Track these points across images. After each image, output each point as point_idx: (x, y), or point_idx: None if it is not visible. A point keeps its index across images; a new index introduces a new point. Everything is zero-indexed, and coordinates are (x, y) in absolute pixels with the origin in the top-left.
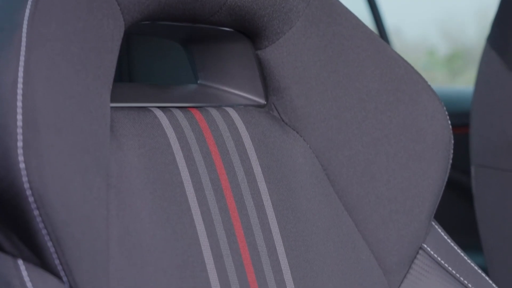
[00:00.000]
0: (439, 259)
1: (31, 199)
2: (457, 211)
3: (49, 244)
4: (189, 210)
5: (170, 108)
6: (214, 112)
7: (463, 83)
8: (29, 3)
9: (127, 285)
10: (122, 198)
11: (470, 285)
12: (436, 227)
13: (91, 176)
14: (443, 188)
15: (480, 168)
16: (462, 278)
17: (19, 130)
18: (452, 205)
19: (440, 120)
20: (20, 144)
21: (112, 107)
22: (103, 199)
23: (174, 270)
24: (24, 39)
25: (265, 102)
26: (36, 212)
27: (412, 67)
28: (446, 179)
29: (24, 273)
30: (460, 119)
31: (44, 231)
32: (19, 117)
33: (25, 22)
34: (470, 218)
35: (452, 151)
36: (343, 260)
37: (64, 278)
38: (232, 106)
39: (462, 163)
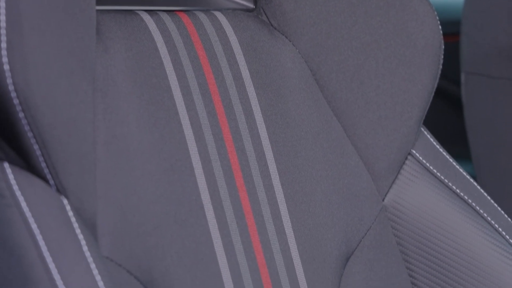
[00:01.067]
0: (427, 164)
1: (16, 101)
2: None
3: (35, 146)
4: (177, 115)
5: (157, 12)
6: (202, 16)
7: None
8: None
9: (114, 189)
10: (108, 101)
11: (458, 191)
12: (425, 133)
13: (76, 79)
14: (433, 93)
15: (470, 75)
16: (450, 184)
17: (3, 31)
18: (442, 115)
19: (430, 25)
20: (4, 45)
21: (98, 10)
22: (89, 102)
23: (162, 174)
24: None
25: (254, 6)
26: (21, 115)
27: None
28: (435, 85)
29: (10, 176)
30: (451, 27)
31: (30, 134)
32: (2, 17)
33: None
34: (459, 128)
35: (442, 56)
36: (332, 165)
37: (51, 181)
38: (220, 10)
39: (452, 72)
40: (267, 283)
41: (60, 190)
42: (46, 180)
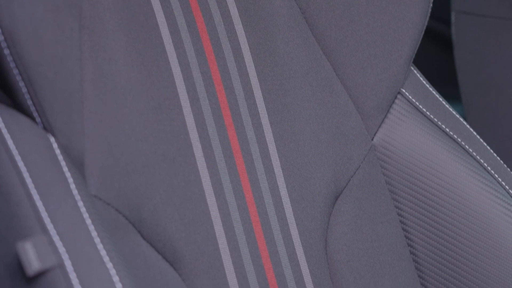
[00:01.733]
0: (417, 103)
1: (1, 37)
2: (436, 62)
3: (21, 84)
4: (165, 53)
5: None
6: None
7: None
8: None
9: (102, 128)
10: (95, 39)
11: (447, 129)
12: (415, 72)
13: (62, 15)
14: (423, 32)
15: (460, 14)
16: (439, 123)
17: None
18: (432, 55)
19: None
20: None
21: None
22: (75, 40)
23: (150, 112)
24: None
25: None
26: (6, 51)
27: None
28: (425, 23)
29: None
30: None
31: (15, 71)
32: None
33: None
34: (449, 69)
35: None
36: (321, 104)
37: (38, 119)
38: None
39: (442, 12)
40: (256, 221)
41: (47, 128)
42: (32, 118)
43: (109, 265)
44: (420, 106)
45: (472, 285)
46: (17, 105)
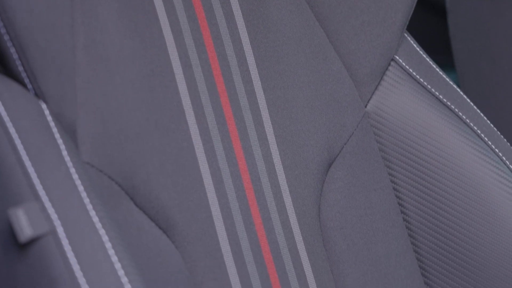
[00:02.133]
0: (410, 70)
1: None
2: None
3: (12, 50)
4: (157, 20)
5: None
6: None
7: None
8: None
9: (94, 96)
10: (87, 6)
11: (441, 97)
12: (409, 38)
13: None
14: None
15: None
16: (433, 90)
17: None
18: (425, 23)
19: None
20: None
21: None
22: (67, 7)
23: (142, 80)
24: None
25: None
26: None
27: None
28: None
29: None
30: None
31: (6, 37)
32: None
33: None
34: (443, 37)
35: None
36: (314, 71)
37: (29, 86)
38: None
39: None
40: (249, 188)
41: (39, 94)
42: (24, 85)
43: (102, 231)
44: (414, 73)
45: (465, 252)
46: (8, 71)
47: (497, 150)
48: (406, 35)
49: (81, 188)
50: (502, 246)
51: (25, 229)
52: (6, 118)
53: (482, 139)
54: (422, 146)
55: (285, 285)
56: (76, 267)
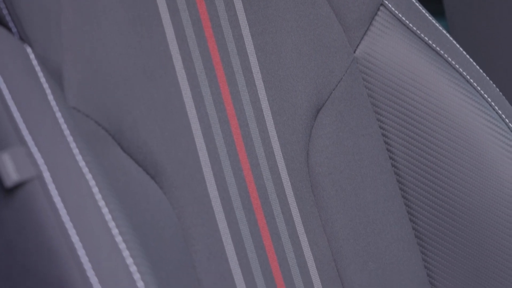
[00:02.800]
0: (400, 15)
1: None
2: None
3: None
4: None
5: None
6: None
7: None
8: None
9: (81, 41)
10: None
11: (430, 42)
12: None
13: None
14: None
15: None
16: (422, 35)
17: None
18: None
19: None
20: None
21: None
22: None
23: (129, 25)
24: None
25: None
26: None
27: None
28: None
29: None
30: None
31: None
32: None
33: None
34: None
35: None
36: (303, 16)
37: (14, 29)
38: None
39: None
40: (237, 134)
41: (23, 38)
42: (8, 28)
43: (88, 176)
44: (403, 18)
45: (453, 197)
46: None
47: (486, 96)
48: None
49: (67, 132)
50: (490, 191)
51: (11, 174)
52: None
53: (471, 84)
54: (411, 91)
55: (274, 230)
56: (63, 211)
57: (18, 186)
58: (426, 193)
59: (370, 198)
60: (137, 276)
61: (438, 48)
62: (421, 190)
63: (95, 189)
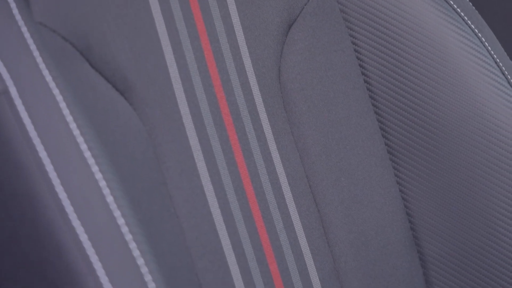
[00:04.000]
0: None
1: None
2: None
3: None
4: None
5: None
6: None
7: None
8: None
9: None
10: None
11: None
12: None
13: None
14: None
15: None
16: None
17: None
18: None
19: None
20: None
21: None
22: None
23: None
24: None
25: None
26: None
27: None
28: None
29: None
30: None
31: None
32: None
33: None
34: None
35: None
36: None
37: None
38: None
39: None
40: (208, 50)
41: None
42: None
43: (56, 91)
44: None
45: (425, 112)
46: None
47: (458, 10)
48: None
49: (33, 47)
50: (462, 106)
51: None
52: None
53: (447, 1)
54: (383, 6)
55: (245, 146)
56: (30, 127)
57: None
58: (398, 108)
59: (343, 114)
60: (106, 191)
61: None
62: (393, 105)
63: (63, 104)
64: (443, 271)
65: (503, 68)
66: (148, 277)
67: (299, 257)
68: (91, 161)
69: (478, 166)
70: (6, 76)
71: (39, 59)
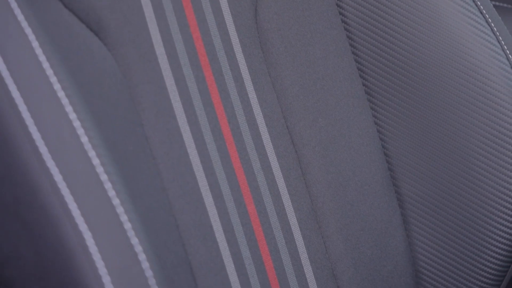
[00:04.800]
0: None
1: None
2: None
3: None
4: None
5: None
6: None
7: None
8: None
9: None
10: None
11: None
12: None
13: None
14: None
15: None
16: None
17: None
18: None
19: None
20: None
21: None
22: None
23: None
24: None
25: None
26: None
27: None
28: None
29: None
30: None
31: None
32: None
33: None
34: None
35: None
36: None
37: None
38: None
39: None
40: (187, 5)
41: None
42: None
43: (28, 30)
44: None
45: (404, 52)
46: None
47: None
48: None
49: None
50: (442, 46)
51: None
52: None
53: None
54: None
55: (222, 87)
56: (1, 66)
57: None
58: (376, 48)
59: (320, 54)
60: (81, 131)
61: None
62: (371, 46)
63: (35, 44)
64: (421, 211)
65: (482, 7)
66: (124, 217)
67: (276, 198)
68: (64, 101)
69: (456, 106)
70: None
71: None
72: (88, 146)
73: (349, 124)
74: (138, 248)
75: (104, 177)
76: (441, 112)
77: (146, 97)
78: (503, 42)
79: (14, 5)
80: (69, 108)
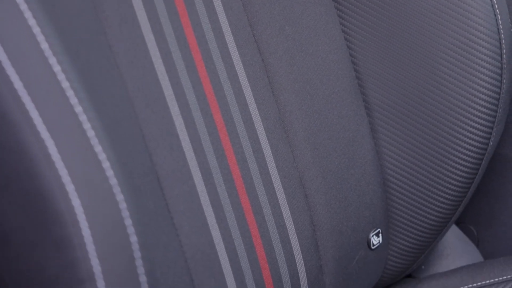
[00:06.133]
0: None
1: None
2: None
3: None
4: None
5: None
6: None
7: None
8: None
9: None
10: None
11: None
12: None
13: None
14: None
15: None
16: None
17: None
18: None
19: None
20: None
21: None
22: None
23: None
24: None
25: None
26: None
27: None
28: None
29: None
30: None
31: None
32: None
33: None
34: None
35: None
36: None
37: None
38: None
39: None
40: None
41: None
42: None
43: None
44: None
45: None
46: None
47: None
48: None
49: None
50: None
51: None
52: None
53: None
54: None
55: (197, 28)
56: None
57: None
58: None
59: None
60: (41, 37)
61: None
62: None
63: None
64: (389, 119)
65: None
66: (87, 125)
67: (243, 107)
68: (23, 6)
69: (424, 13)
70: None
71: None
72: (48, 53)
73: (316, 32)
74: (102, 156)
75: (66, 84)
76: (409, 19)
77: (109, 4)
78: None
79: None
80: (28, 14)
